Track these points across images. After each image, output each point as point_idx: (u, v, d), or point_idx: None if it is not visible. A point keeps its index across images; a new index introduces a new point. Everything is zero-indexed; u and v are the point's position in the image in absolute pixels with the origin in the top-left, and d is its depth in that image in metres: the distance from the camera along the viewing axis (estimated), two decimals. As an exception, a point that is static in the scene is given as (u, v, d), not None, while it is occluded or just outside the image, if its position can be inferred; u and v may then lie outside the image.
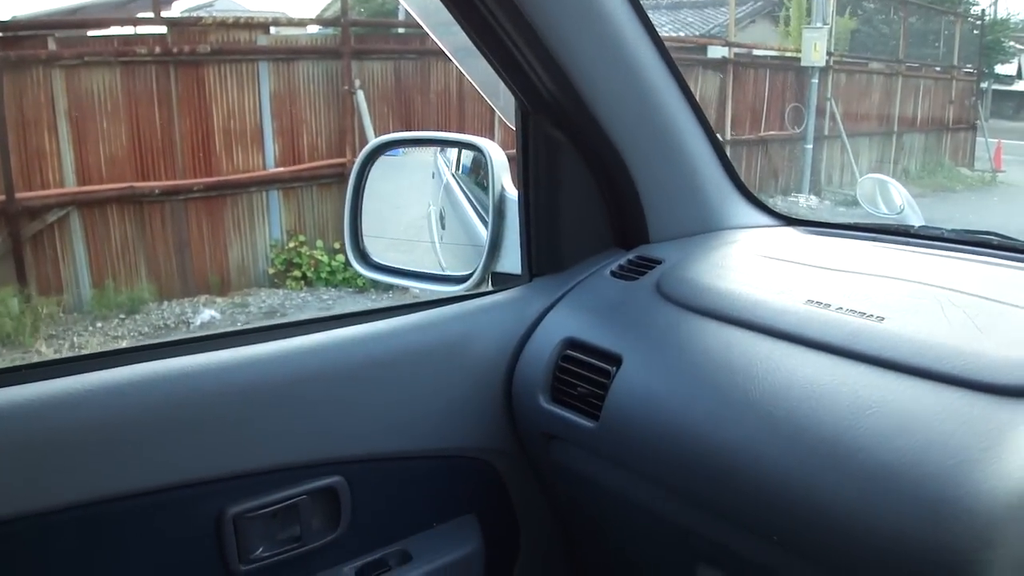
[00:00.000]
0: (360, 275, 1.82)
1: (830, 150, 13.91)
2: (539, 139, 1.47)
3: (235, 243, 8.10)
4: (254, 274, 8.22)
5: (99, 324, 7.19)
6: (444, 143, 1.98)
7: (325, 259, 8.20)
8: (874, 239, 1.59)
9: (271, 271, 8.22)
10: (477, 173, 1.78)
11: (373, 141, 1.79)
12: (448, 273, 1.69)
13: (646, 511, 1.27)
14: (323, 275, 8.18)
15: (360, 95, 8.42)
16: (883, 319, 1.16)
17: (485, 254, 1.61)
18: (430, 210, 1.98)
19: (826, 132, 13.72)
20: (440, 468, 1.41)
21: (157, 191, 7.63)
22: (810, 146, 13.02)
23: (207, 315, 7.47)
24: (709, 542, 1.21)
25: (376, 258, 1.79)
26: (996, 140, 16.54)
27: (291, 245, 8.21)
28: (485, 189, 1.65)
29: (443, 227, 1.94)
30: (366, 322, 1.37)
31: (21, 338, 6.57)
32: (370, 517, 1.34)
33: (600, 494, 1.35)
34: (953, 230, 1.57)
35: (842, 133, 13.80)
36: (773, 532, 1.08)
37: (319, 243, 8.33)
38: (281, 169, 8.19)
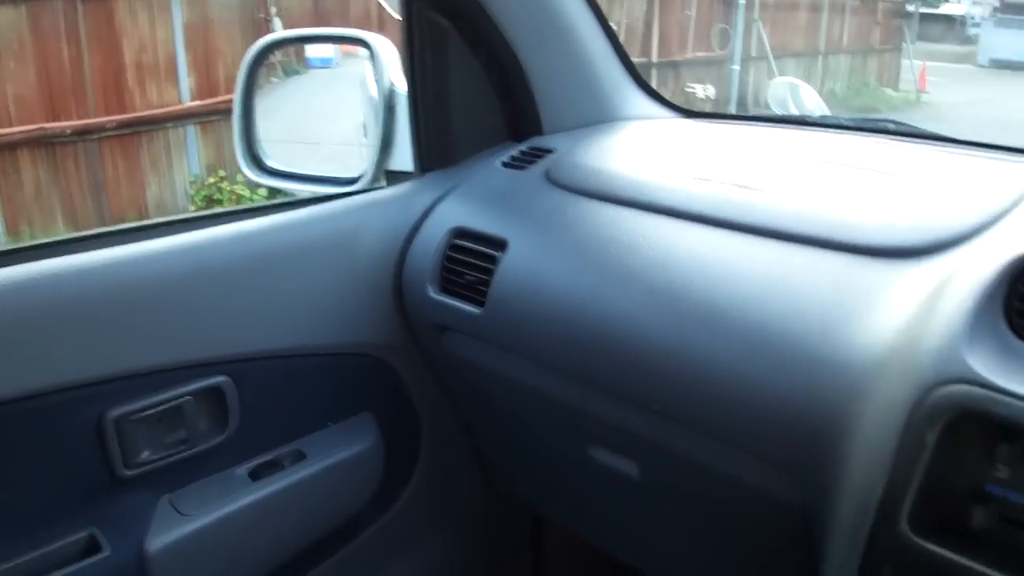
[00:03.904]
0: (251, 181, 1.77)
1: (756, 72, 13.92)
2: (423, 26, 1.42)
3: (153, 181, 7.89)
4: (174, 212, 8.03)
5: (16, 270, 6.99)
6: (331, 39, 1.93)
7: (247, 193, 8.02)
8: (771, 126, 1.58)
9: (192, 208, 8.04)
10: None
11: (258, 42, 1.72)
12: (341, 175, 1.65)
13: (538, 394, 1.26)
14: (246, 210, 8.03)
15: (277, 22, 8.19)
16: (764, 190, 1.16)
17: (377, 152, 1.57)
18: (361, 119, 1.93)
19: (753, 53, 13.72)
20: (332, 366, 1.38)
21: (69, 131, 7.36)
22: (737, 67, 13.02)
23: (129, 256, 7.30)
24: (599, 421, 1.21)
25: (270, 163, 1.75)
26: (921, 62, 16.69)
27: (211, 180, 8.02)
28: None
29: (365, 135, 1.89)
30: (251, 218, 1.33)
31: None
32: (261, 417, 1.31)
33: (493, 382, 1.34)
34: (852, 118, 1.57)
35: (768, 55, 13.82)
36: (654, 402, 1.08)
37: (239, 177, 8.16)
38: (197, 103, 7.96)
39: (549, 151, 1.44)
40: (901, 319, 0.93)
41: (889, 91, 16.73)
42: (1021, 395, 0.80)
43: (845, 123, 1.55)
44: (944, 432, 0.83)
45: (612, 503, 1.34)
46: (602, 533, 1.49)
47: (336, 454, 1.36)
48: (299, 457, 1.34)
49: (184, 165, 8.03)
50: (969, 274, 0.89)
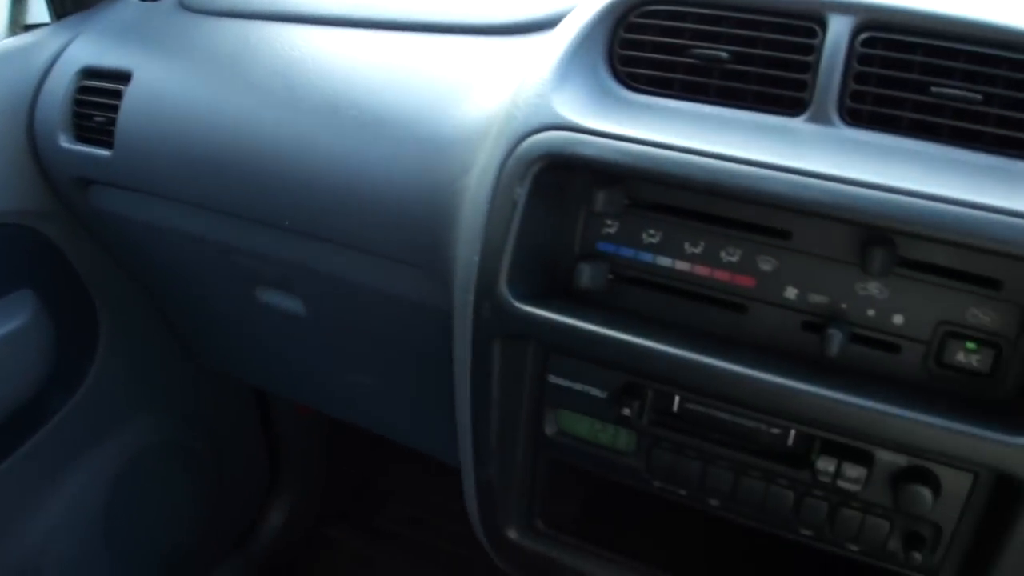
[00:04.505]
0: None
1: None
2: None
3: None
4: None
5: None
6: None
7: None
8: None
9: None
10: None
11: None
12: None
13: (188, 238, 1.16)
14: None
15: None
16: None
17: (8, 6, 1.39)
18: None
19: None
20: None
21: None
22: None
23: None
24: (251, 255, 1.12)
25: None
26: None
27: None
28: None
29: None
30: None
31: None
32: None
33: (148, 234, 1.22)
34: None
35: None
36: (285, 218, 1.00)
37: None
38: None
39: (193, -19, 1.31)
40: (507, 87, 0.87)
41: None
42: (612, 134, 0.75)
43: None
44: (538, 187, 0.78)
45: (292, 350, 1.27)
46: (295, 386, 1.42)
47: (-15, 336, 1.22)
48: None
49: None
50: (573, 29, 0.83)
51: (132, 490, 1.48)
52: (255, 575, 1.74)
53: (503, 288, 0.78)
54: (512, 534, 0.92)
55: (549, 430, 0.85)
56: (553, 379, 0.83)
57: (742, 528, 0.82)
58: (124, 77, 1.13)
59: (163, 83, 1.10)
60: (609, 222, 0.81)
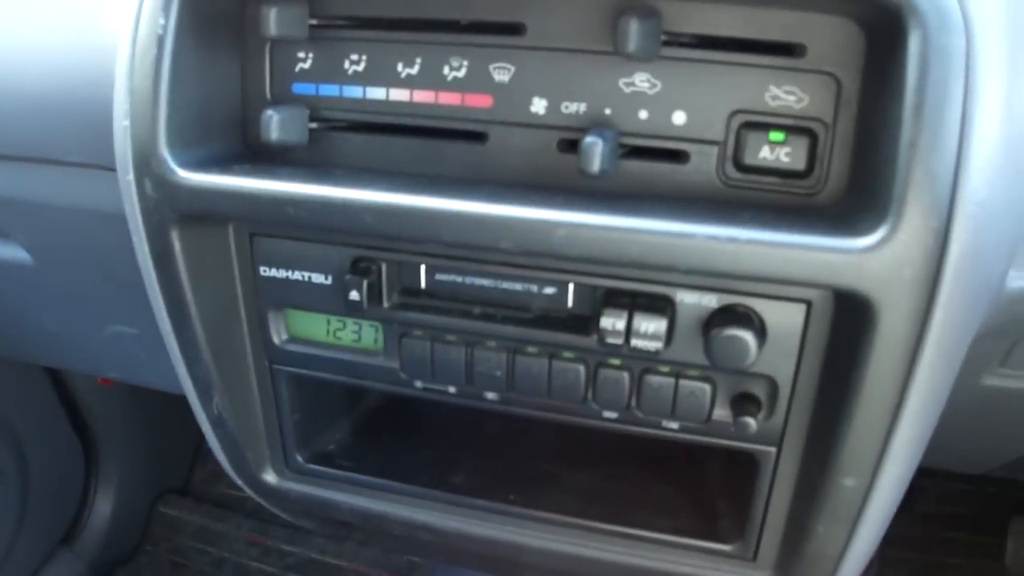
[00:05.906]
0: None
1: None
2: None
3: None
4: None
5: None
6: None
7: None
8: None
9: None
10: None
11: None
12: None
13: None
14: None
15: None
16: None
17: None
18: None
19: None
20: None
21: None
22: None
23: None
24: None
25: None
26: None
27: None
28: None
29: None
30: None
31: None
32: None
33: None
34: None
35: None
36: None
37: None
38: None
39: None
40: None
41: None
42: None
43: None
44: (191, 15, 0.58)
45: (41, 310, 1.05)
46: (64, 354, 1.20)
47: None
48: None
49: None
50: None
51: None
52: (89, 570, 1.53)
53: (163, 154, 0.58)
54: (269, 477, 0.73)
55: (278, 338, 0.66)
56: (265, 271, 0.63)
57: (539, 428, 0.65)
58: None
59: None
60: (302, 54, 0.61)
